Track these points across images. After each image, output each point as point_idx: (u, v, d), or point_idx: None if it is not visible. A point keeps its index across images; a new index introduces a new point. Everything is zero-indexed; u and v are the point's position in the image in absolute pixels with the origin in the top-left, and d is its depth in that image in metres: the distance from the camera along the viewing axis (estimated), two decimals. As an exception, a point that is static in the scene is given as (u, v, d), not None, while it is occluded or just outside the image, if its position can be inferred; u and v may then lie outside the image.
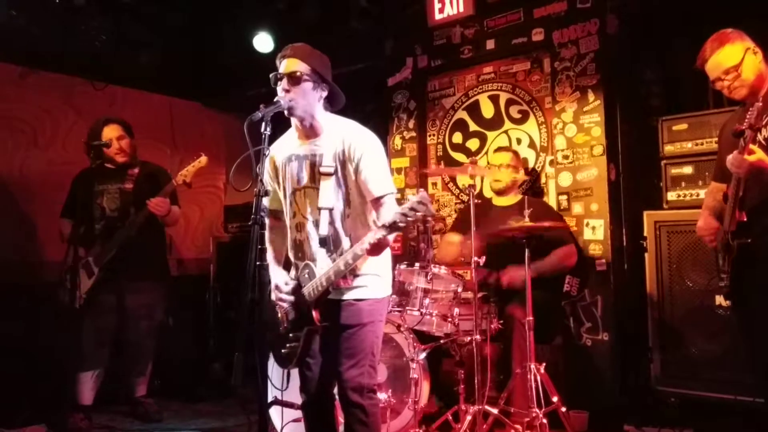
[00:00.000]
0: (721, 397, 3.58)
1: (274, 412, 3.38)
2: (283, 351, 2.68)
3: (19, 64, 5.15)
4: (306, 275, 2.62)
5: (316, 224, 2.62)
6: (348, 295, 2.61)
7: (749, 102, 2.81)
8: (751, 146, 2.56)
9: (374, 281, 2.65)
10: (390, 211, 2.34)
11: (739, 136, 2.61)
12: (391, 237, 2.41)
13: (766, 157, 2.56)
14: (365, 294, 2.63)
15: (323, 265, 2.57)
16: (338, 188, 2.61)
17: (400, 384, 3.63)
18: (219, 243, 6.02)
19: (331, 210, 2.58)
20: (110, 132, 4.34)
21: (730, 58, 2.79)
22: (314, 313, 2.56)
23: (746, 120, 2.58)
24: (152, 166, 4.55)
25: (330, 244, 2.61)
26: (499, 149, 4.54)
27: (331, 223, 2.60)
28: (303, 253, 2.69)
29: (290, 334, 2.66)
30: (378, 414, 2.71)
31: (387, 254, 2.74)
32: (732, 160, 2.62)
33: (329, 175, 2.58)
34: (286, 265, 2.80)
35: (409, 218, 2.24)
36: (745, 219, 2.70)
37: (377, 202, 2.56)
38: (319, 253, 2.61)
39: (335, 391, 2.72)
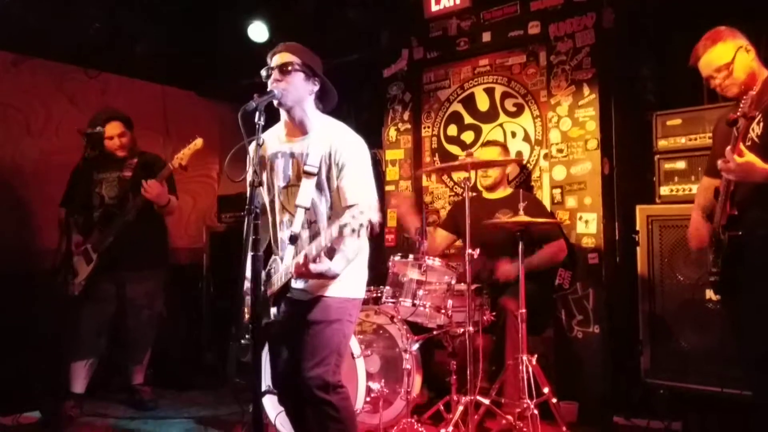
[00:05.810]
0: (710, 389, 3.60)
1: (267, 402, 3.39)
2: (242, 341, 2.56)
3: (12, 51, 5.11)
4: (273, 269, 2.61)
5: (291, 222, 2.61)
6: (317, 292, 2.57)
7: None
8: (741, 146, 2.57)
9: (345, 280, 2.59)
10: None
11: (733, 125, 2.61)
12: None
13: (757, 160, 2.57)
14: (335, 292, 2.58)
15: (288, 262, 2.53)
16: (320, 190, 2.59)
17: (393, 374, 3.66)
18: (212, 232, 6.01)
19: (307, 209, 2.56)
20: (112, 129, 4.35)
21: (721, 56, 2.79)
22: (271, 309, 2.52)
23: (740, 109, 2.58)
24: (150, 156, 4.57)
25: (301, 243, 2.57)
26: (487, 143, 4.54)
27: (312, 222, 2.59)
28: (278, 248, 2.69)
29: (251, 325, 2.57)
30: (349, 408, 2.65)
31: (363, 255, 2.67)
32: (722, 163, 2.62)
33: (311, 174, 2.57)
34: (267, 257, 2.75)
35: (355, 220, 2.13)
36: (736, 212, 2.71)
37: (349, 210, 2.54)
38: (288, 250, 2.57)
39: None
